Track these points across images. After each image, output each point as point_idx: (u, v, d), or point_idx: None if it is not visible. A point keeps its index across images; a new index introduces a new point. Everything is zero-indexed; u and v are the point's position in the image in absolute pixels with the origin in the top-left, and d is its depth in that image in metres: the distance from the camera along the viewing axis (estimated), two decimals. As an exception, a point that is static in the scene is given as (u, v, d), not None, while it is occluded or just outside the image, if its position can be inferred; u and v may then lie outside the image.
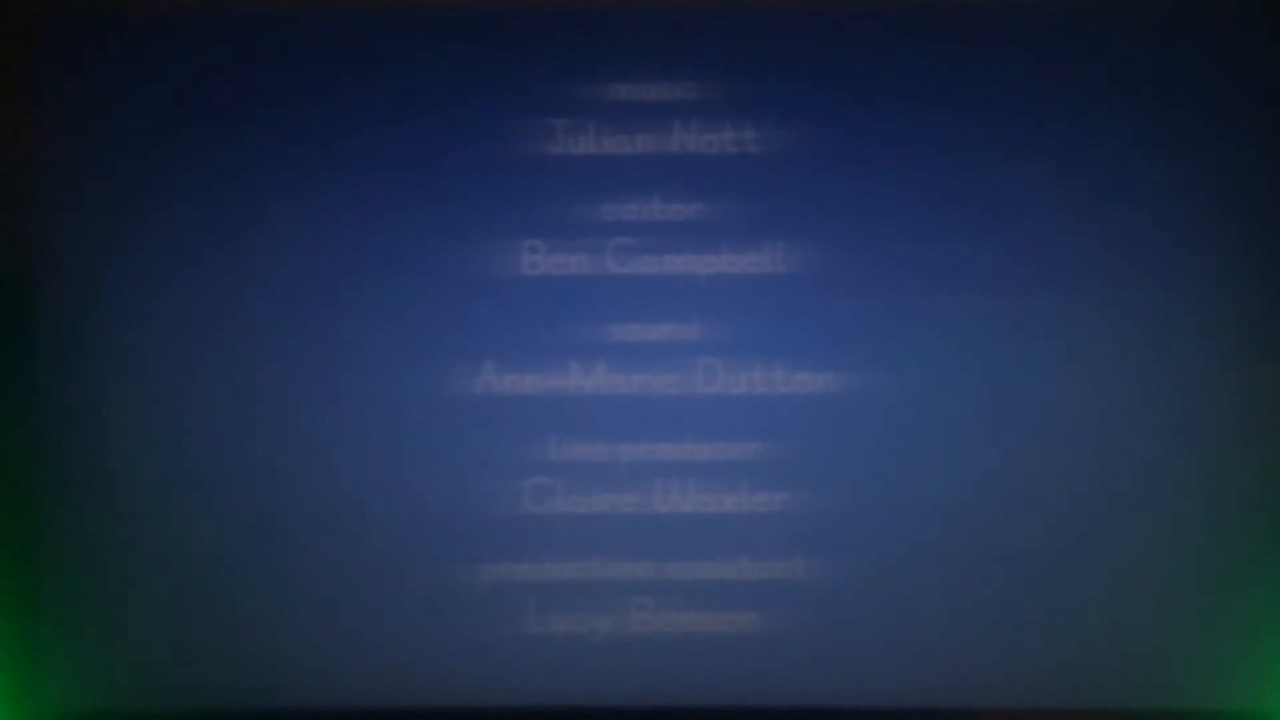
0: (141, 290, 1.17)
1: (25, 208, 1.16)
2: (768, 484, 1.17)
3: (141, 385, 1.17)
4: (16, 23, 1.16)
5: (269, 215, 1.16)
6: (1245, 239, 1.15)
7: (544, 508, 1.17)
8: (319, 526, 1.17)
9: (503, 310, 1.17)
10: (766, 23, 1.16)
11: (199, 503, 1.17)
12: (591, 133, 1.16)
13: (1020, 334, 1.15)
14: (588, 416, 1.17)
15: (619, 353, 1.17)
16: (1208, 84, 1.15)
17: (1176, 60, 1.15)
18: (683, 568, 1.17)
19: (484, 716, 1.18)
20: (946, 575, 1.16)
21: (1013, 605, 1.15)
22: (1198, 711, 1.15)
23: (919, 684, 1.16)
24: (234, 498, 1.17)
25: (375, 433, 1.16)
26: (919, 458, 1.16)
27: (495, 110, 1.16)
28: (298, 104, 1.16)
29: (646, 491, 1.17)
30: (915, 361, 1.16)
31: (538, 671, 1.17)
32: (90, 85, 1.16)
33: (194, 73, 1.16)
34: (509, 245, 1.16)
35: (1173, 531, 1.15)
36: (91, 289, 1.17)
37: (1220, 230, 1.15)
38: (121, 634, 1.18)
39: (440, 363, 1.16)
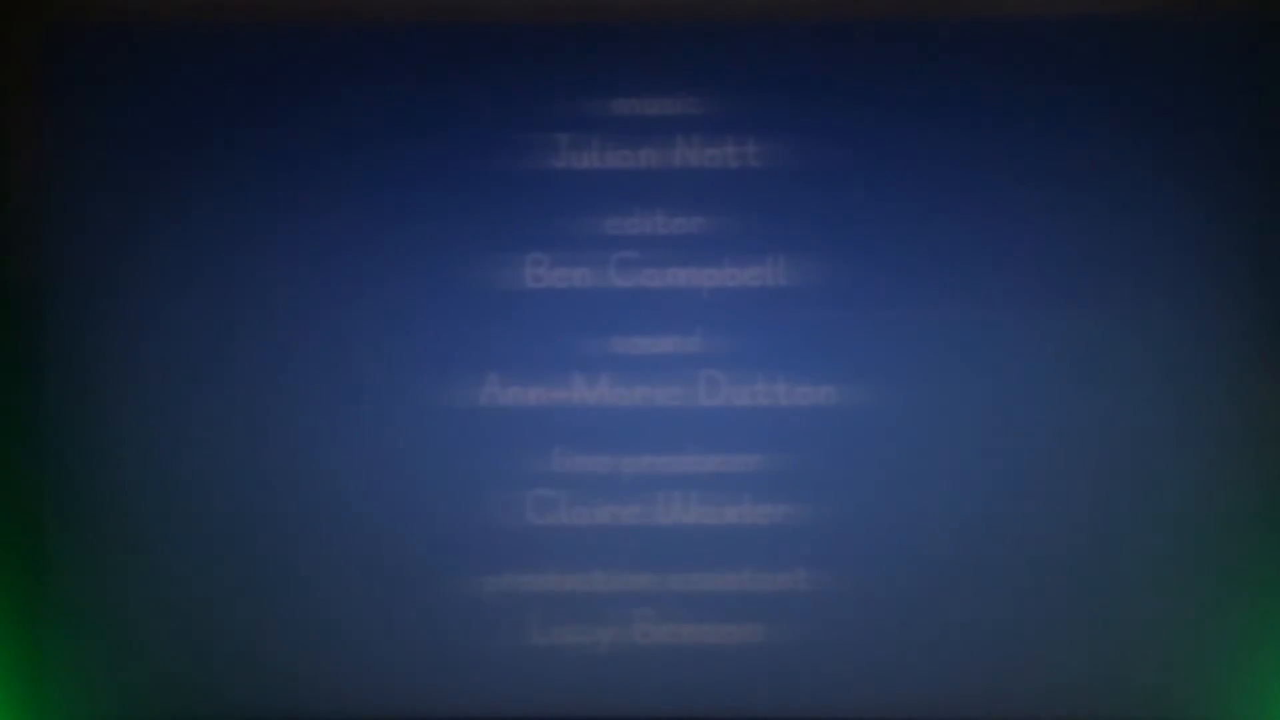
0: (148, 302, 1.17)
1: (33, 218, 1.17)
2: (771, 496, 1.17)
3: (147, 395, 1.17)
4: (25, 34, 1.17)
5: (275, 227, 1.17)
6: (1248, 247, 1.14)
7: (547, 520, 1.17)
8: (323, 538, 1.17)
9: (506, 323, 1.17)
10: (768, 37, 1.16)
11: (204, 513, 1.17)
12: (594, 147, 1.17)
13: (1022, 345, 1.15)
14: (590, 429, 1.17)
15: (622, 365, 1.17)
16: (1206, 91, 1.15)
17: (1173, 68, 1.15)
18: (686, 579, 1.17)
19: None
20: (949, 587, 1.15)
21: (1014, 617, 1.15)
22: None
23: (921, 696, 1.16)
24: (238, 508, 1.17)
25: (379, 445, 1.17)
26: (921, 469, 1.16)
27: (499, 125, 1.17)
28: (303, 117, 1.17)
29: (649, 504, 1.17)
30: (917, 373, 1.15)
31: (541, 683, 1.17)
32: (99, 97, 1.17)
33: (202, 86, 1.17)
34: (513, 259, 1.17)
35: (1173, 545, 1.15)
36: (99, 301, 1.17)
37: (1222, 239, 1.14)
38: (127, 644, 1.18)
39: (444, 375, 1.17)
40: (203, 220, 1.17)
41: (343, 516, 1.17)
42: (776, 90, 1.16)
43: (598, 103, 1.17)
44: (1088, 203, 1.15)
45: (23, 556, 1.17)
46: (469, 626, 1.17)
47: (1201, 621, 1.15)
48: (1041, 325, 1.15)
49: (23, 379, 1.17)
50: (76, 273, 1.17)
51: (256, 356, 1.17)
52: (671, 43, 1.17)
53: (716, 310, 1.17)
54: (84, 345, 1.17)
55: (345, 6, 1.17)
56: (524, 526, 1.17)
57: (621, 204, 1.17)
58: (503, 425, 1.17)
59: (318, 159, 1.17)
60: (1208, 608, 1.15)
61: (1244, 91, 1.15)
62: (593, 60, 1.17)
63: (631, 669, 1.17)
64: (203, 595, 1.17)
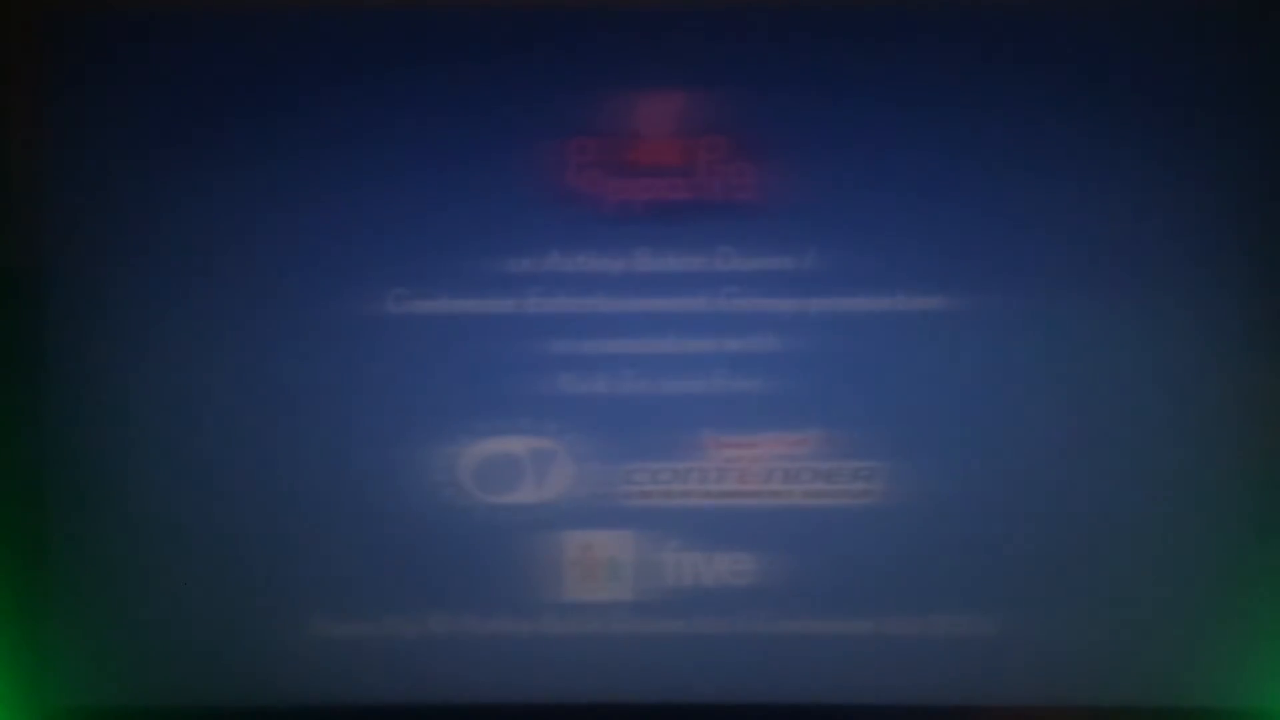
0: (150, 291, 1.15)
1: (34, 208, 1.14)
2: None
3: (149, 385, 1.15)
4: (26, 22, 1.14)
5: (282, 218, 1.14)
6: (1250, 242, 1.14)
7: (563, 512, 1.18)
8: (325, 525, 1.16)
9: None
10: (758, 23, 1.14)
11: (205, 500, 1.16)
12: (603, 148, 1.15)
13: (1020, 338, 1.15)
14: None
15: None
16: (1205, 85, 1.13)
17: (1173, 61, 1.13)
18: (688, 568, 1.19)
19: (498, 714, 1.19)
20: (948, 572, 1.17)
21: (1013, 602, 1.17)
22: (1200, 709, 1.17)
23: (920, 681, 1.18)
24: (240, 496, 1.16)
25: (390, 440, 1.16)
26: (926, 469, 1.16)
27: (513, 113, 1.14)
28: (309, 107, 1.13)
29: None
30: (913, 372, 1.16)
31: (553, 667, 1.19)
32: (100, 86, 1.13)
33: (205, 75, 1.13)
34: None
35: (1176, 528, 1.16)
36: (100, 290, 1.15)
37: (1221, 233, 1.14)
38: (128, 630, 1.18)
39: (459, 373, 1.15)
40: (208, 211, 1.14)
41: (345, 504, 1.16)
42: (773, 77, 1.13)
43: (603, 94, 1.14)
44: (1086, 198, 1.14)
45: (24, 543, 1.16)
46: (472, 614, 1.18)
47: (1206, 606, 1.16)
48: (1041, 317, 1.14)
49: (24, 367, 1.15)
50: (77, 263, 1.14)
51: (261, 347, 1.15)
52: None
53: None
54: (87, 334, 1.15)
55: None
56: (526, 532, 1.18)
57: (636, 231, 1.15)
58: (516, 424, 1.16)
59: (324, 149, 1.13)
60: (1212, 592, 1.16)
61: (1250, 83, 1.13)
62: (595, 50, 1.14)
63: (638, 656, 1.18)
64: (204, 581, 1.17)
